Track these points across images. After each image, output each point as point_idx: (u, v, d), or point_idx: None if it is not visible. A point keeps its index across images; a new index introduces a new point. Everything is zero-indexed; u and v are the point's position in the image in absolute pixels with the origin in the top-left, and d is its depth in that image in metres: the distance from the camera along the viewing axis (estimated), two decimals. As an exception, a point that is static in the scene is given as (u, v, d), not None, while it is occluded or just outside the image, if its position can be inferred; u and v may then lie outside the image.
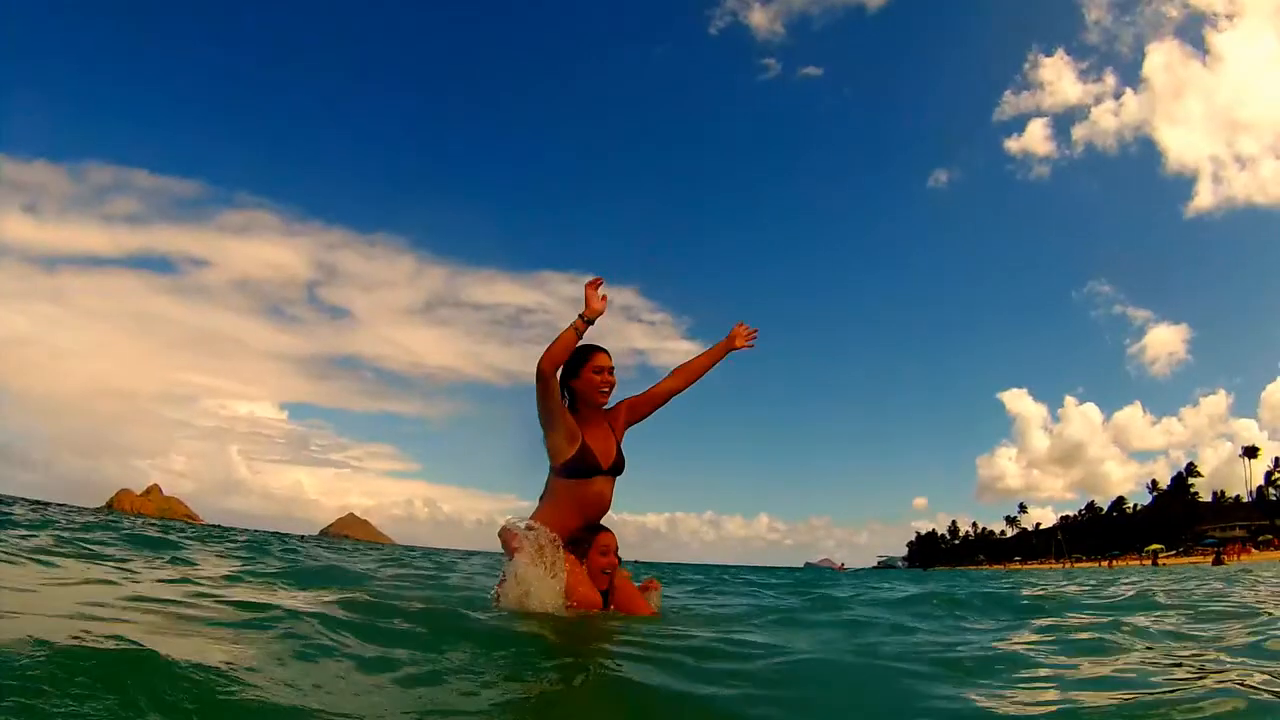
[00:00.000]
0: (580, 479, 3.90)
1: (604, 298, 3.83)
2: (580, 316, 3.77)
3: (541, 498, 4.00)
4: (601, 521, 4.00)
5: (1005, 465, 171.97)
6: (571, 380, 3.96)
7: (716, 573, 19.29)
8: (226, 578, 5.34)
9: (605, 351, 4.01)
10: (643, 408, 4.21)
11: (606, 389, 3.98)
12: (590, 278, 3.82)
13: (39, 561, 4.85)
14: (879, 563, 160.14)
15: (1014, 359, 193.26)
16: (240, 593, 4.12)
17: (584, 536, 3.92)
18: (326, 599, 3.66)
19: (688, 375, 4.29)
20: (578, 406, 3.98)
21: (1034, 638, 3.61)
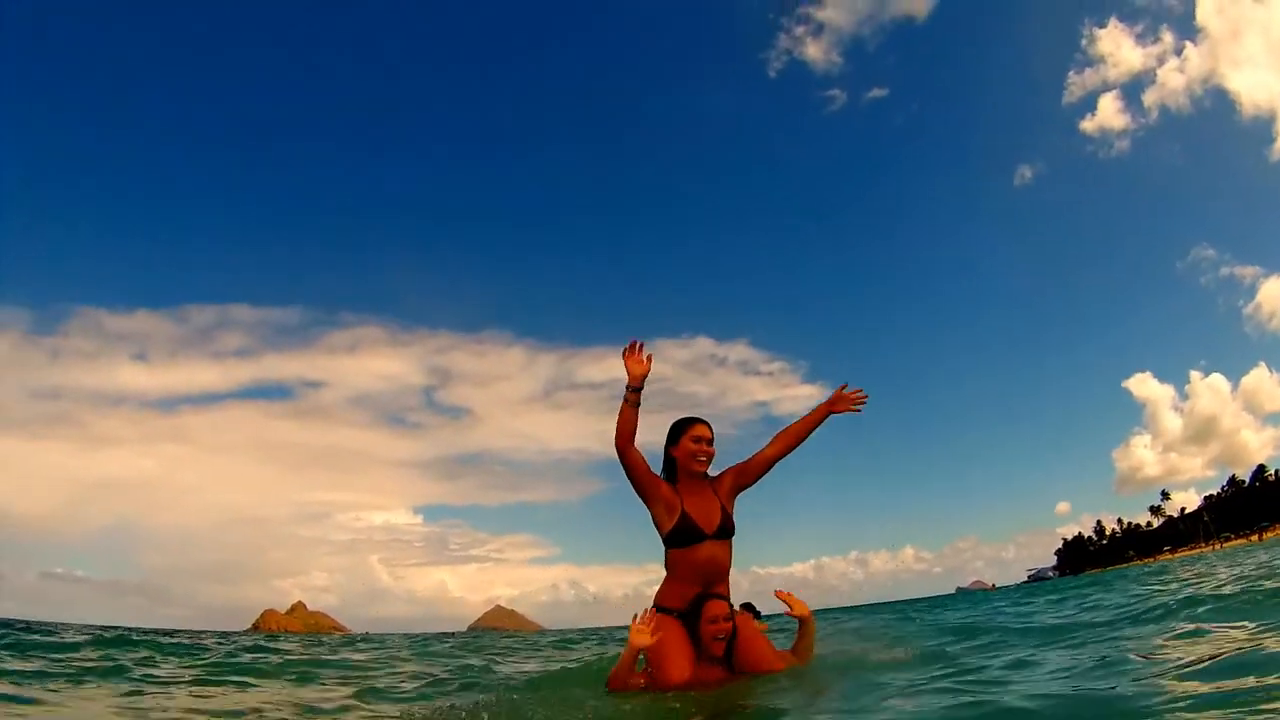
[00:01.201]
0: (687, 546, 3.99)
1: (647, 358, 4.02)
2: (627, 386, 3.98)
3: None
4: (724, 585, 4.09)
5: (1141, 454, 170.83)
6: (672, 449, 4.18)
7: (864, 613, 19.85)
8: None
9: (705, 423, 4.19)
10: (748, 475, 4.26)
11: (704, 458, 4.11)
12: (629, 342, 4.04)
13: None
14: (1029, 576, 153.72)
15: (1132, 343, 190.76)
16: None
17: (694, 608, 3.92)
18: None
19: (789, 440, 4.31)
20: (678, 475, 4.14)
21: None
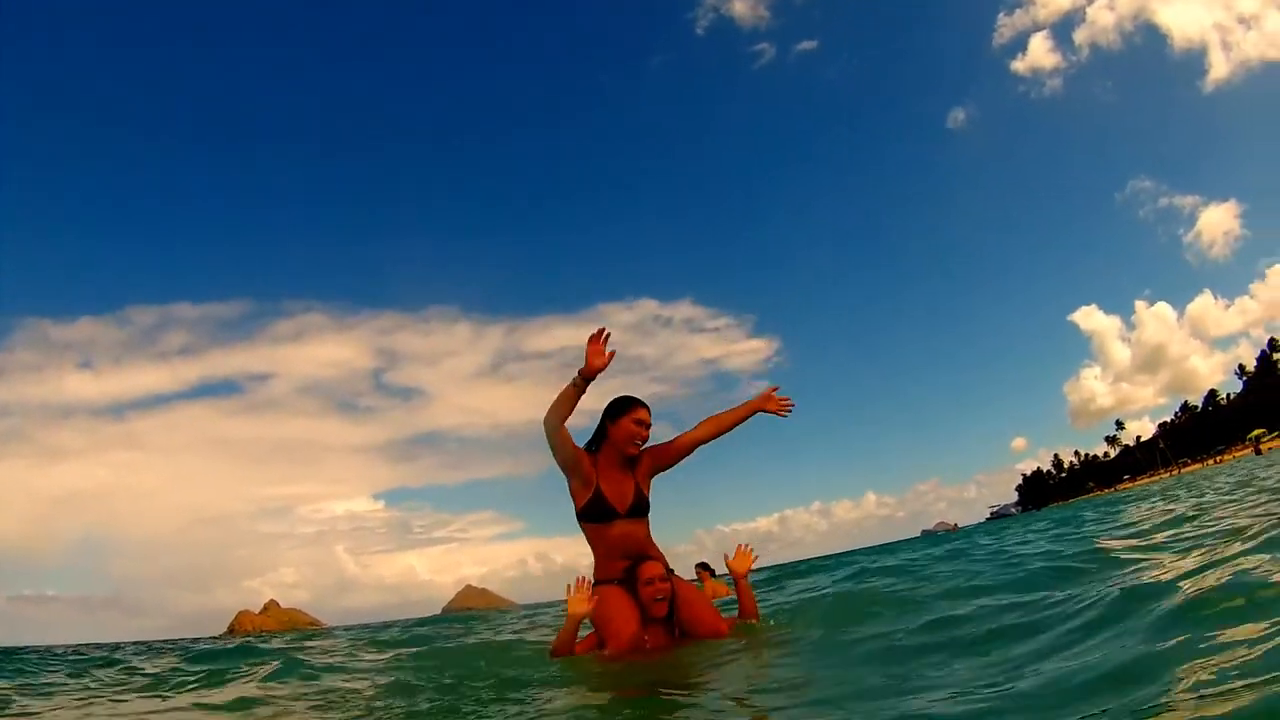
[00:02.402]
0: (600, 523, 4.11)
1: (609, 353, 3.97)
2: (580, 373, 3.95)
3: None
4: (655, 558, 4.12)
5: (1092, 385, 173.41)
6: (610, 425, 4.18)
7: (834, 562, 19.03)
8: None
9: (647, 407, 4.20)
10: (666, 457, 4.32)
11: (640, 441, 4.15)
12: (594, 330, 3.98)
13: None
14: (991, 514, 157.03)
15: (1075, 278, 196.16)
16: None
17: (630, 575, 4.01)
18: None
19: (714, 428, 4.39)
20: (604, 451, 4.19)
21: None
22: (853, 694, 2.54)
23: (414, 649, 6.58)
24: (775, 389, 4.45)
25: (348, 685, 4.25)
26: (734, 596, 4.51)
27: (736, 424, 4.42)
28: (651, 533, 4.24)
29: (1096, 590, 3.32)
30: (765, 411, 4.43)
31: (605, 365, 3.96)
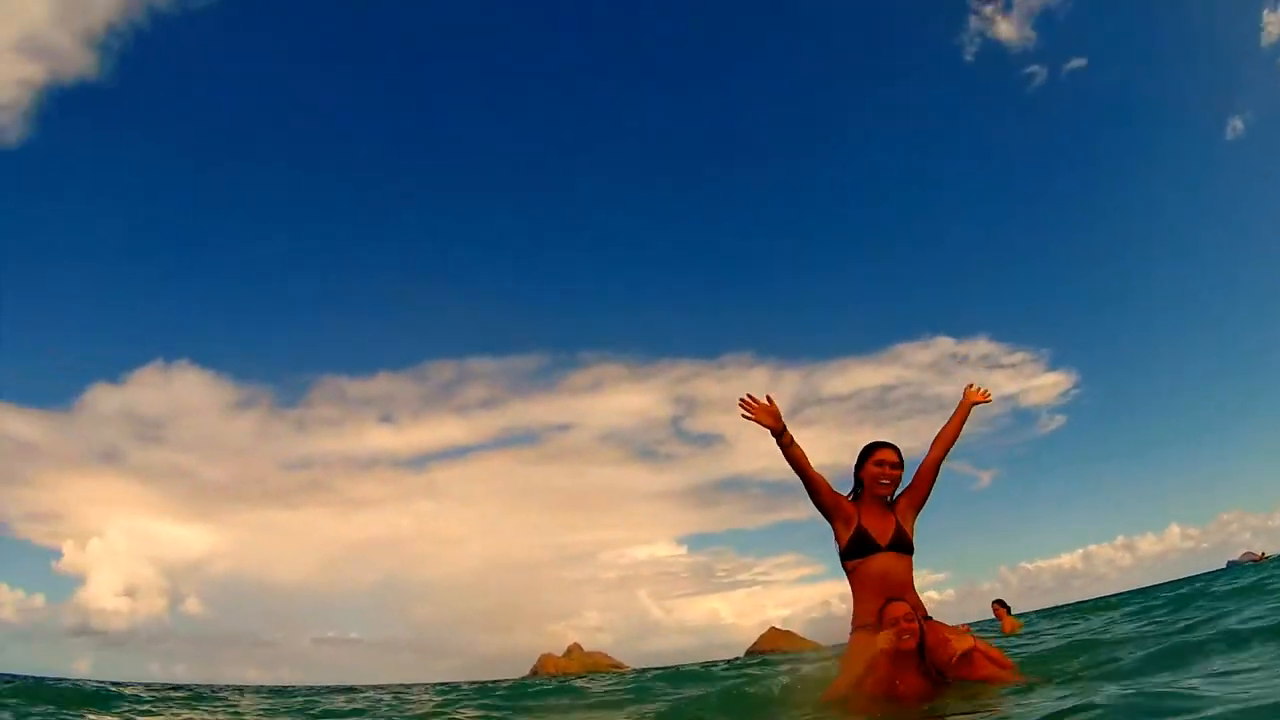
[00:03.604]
0: (862, 558, 4.32)
1: (768, 399, 4.38)
2: (773, 434, 4.36)
3: None
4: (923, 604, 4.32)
5: None
6: (860, 471, 4.53)
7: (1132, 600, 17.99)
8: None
9: (891, 447, 4.50)
10: (919, 489, 4.55)
11: (886, 481, 4.42)
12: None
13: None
14: None
15: None
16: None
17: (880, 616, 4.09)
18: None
19: (944, 443, 4.67)
20: (864, 497, 4.49)
21: None
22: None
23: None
24: (970, 386, 4.82)
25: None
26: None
27: (959, 428, 4.71)
28: (914, 575, 4.39)
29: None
30: (975, 404, 4.79)
31: (776, 410, 4.37)
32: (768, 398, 4.37)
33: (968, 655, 4.06)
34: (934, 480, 4.56)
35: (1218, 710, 2.71)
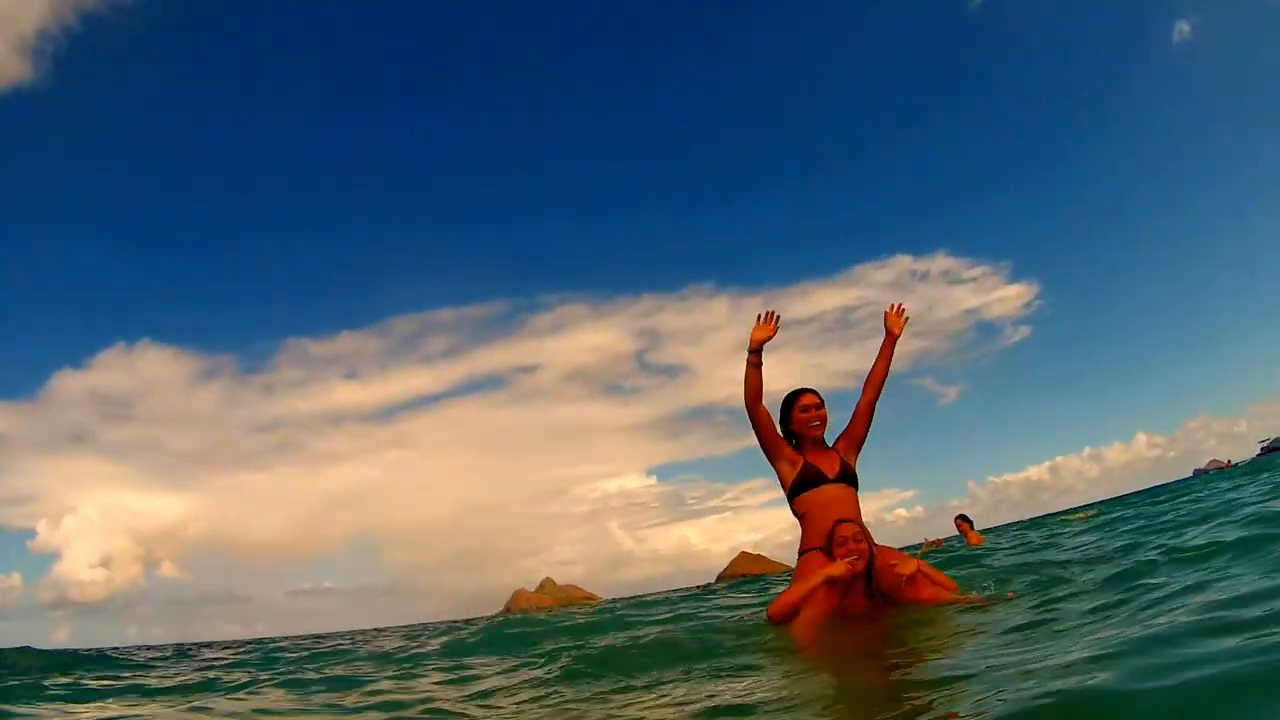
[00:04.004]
0: (812, 489, 4.39)
1: (774, 324, 4.52)
2: (748, 349, 4.46)
3: None
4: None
5: None
6: (788, 425, 4.56)
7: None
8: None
9: (811, 391, 4.55)
10: (855, 431, 4.62)
11: (816, 423, 4.48)
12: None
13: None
14: (1262, 449, 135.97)
15: None
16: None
17: (829, 539, 4.14)
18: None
19: (875, 383, 4.72)
20: (801, 445, 4.54)
21: None
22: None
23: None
24: (893, 306, 4.87)
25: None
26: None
27: (888, 363, 4.74)
28: (861, 504, 4.43)
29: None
30: (898, 333, 4.78)
31: (769, 336, 4.49)
32: (775, 319, 4.52)
33: (912, 578, 4.08)
34: (870, 421, 4.64)
35: (1162, 626, 2.61)
